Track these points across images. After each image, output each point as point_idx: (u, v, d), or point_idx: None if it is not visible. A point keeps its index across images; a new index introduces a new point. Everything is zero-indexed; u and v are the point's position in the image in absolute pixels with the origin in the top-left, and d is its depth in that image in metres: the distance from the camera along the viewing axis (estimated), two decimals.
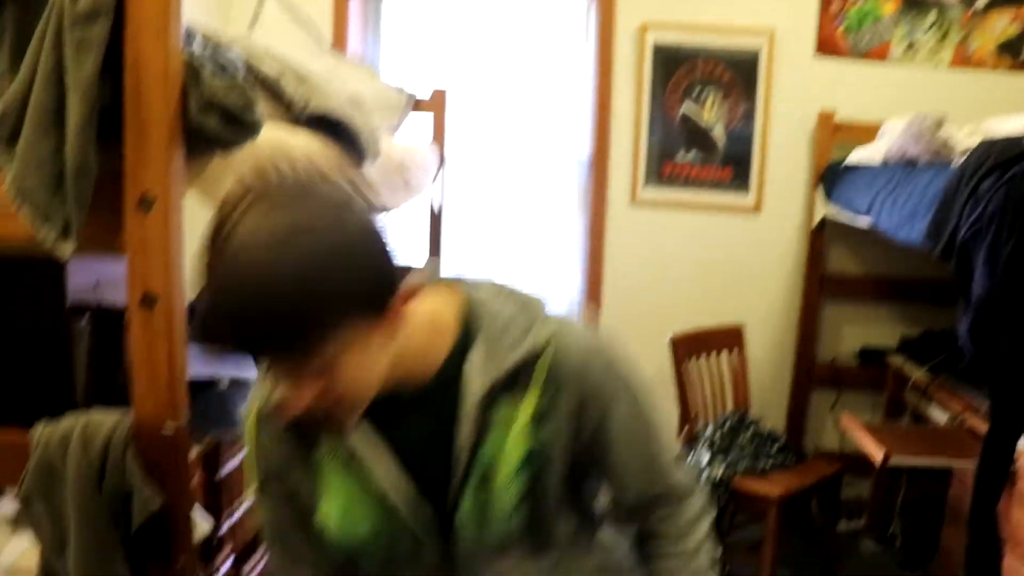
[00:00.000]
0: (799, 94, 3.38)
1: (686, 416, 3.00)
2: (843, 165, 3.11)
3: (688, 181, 3.41)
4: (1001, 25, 3.36)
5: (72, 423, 1.36)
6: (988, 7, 3.34)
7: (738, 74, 3.35)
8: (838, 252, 3.51)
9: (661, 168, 3.41)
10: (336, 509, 1.07)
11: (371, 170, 2.08)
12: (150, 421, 1.36)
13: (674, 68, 3.36)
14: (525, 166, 3.55)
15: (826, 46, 3.37)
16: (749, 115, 3.38)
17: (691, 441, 2.98)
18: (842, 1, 3.34)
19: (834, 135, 3.34)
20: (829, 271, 3.50)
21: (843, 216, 3.04)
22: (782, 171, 3.42)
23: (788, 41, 3.35)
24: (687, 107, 3.37)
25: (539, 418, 1.05)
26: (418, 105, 2.90)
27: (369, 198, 2.07)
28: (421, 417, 1.06)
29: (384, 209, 2.26)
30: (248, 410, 1.11)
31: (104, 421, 1.35)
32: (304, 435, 1.07)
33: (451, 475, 1.05)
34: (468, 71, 3.49)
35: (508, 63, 3.50)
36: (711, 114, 3.38)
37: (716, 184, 3.40)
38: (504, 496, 1.04)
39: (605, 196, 3.43)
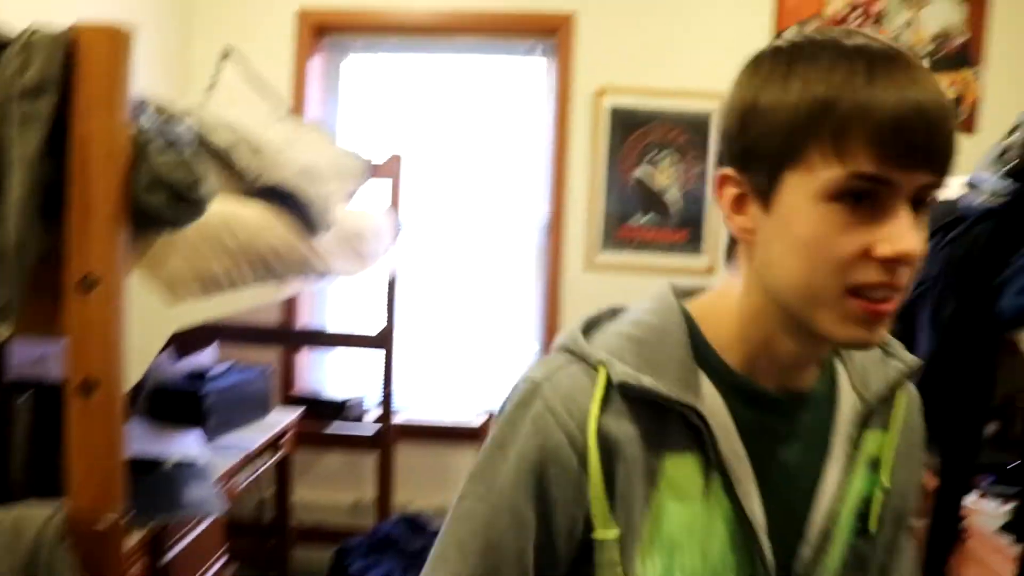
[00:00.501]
0: None
1: None
2: None
3: (643, 244, 3.42)
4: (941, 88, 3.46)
5: (1, 517, 1.29)
6: (929, 71, 3.44)
7: (694, 136, 3.40)
8: None
9: (617, 232, 3.42)
10: (674, 546, 0.78)
11: (325, 240, 2.05)
12: (86, 514, 1.29)
13: (630, 131, 3.40)
14: (483, 230, 3.54)
15: None
16: (704, 177, 3.42)
17: None
18: None
19: None
20: None
21: None
22: None
23: None
24: (641, 171, 3.40)
25: (896, 457, 0.89)
26: (375, 170, 2.89)
27: (320, 267, 2.04)
28: (788, 437, 0.83)
29: (338, 277, 2.23)
30: (587, 398, 0.78)
31: (36, 515, 1.28)
32: (654, 427, 0.79)
33: (803, 517, 0.83)
34: (427, 134, 3.50)
35: (466, 126, 3.51)
36: (666, 177, 3.41)
37: (671, 247, 3.42)
38: (836, 554, 0.85)
39: (561, 260, 3.43)
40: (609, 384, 0.78)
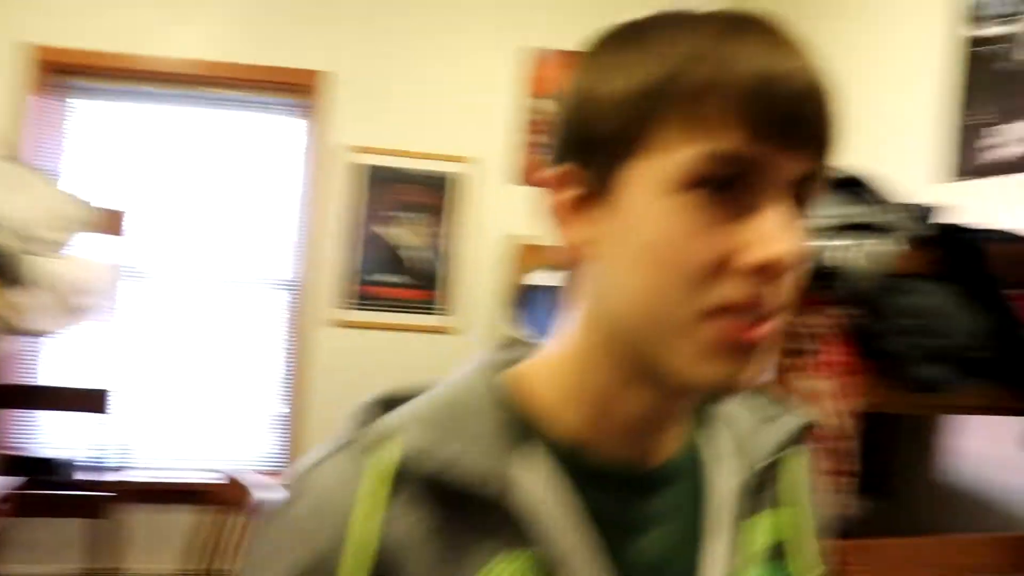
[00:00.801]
0: (497, 219, 3.57)
1: None
2: (527, 286, 3.31)
3: (388, 303, 3.47)
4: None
5: None
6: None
7: (441, 198, 3.52)
8: None
9: (364, 289, 3.45)
10: None
11: (29, 293, 1.94)
12: None
13: (380, 191, 3.46)
14: (229, 285, 3.45)
15: (524, 174, 3.60)
16: (449, 238, 3.53)
17: None
18: (541, 133, 3.62)
19: (528, 259, 3.56)
20: None
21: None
22: (479, 293, 3.58)
23: (489, 168, 3.56)
24: (388, 230, 3.47)
25: (792, 540, 0.69)
26: (102, 220, 2.75)
27: (18, 322, 1.92)
28: (650, 523, 0.64)
29: (48, 333, 2.09)
30: (351, 493, 0.58)
31: None
32: (459, 524, 0.58)
33: None
34: (171, 185, 3.38)
35: (216, 180, 3.42)
36: (416, 235, 3.50)
37: (416, 305, 3.50)
38: None
39: (309, 318, 3.41)
40: (397, 476, 0.59)
